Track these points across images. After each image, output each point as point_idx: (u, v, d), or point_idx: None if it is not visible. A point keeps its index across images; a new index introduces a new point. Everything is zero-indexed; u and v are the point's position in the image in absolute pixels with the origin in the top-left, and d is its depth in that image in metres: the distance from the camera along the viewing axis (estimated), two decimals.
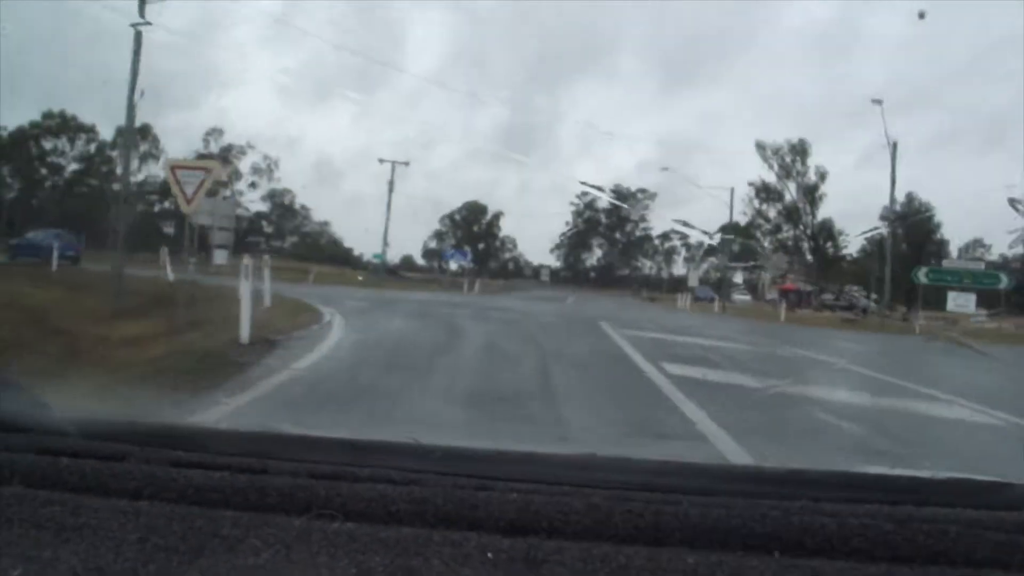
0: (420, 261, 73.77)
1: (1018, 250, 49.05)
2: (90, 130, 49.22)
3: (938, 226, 51.63)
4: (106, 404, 3.58)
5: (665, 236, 69.46)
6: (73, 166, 51.37)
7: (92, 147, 49.11)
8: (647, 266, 70.89)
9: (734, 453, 4.54)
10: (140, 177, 57.66)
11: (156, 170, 58.16)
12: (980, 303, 32.61)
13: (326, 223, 67.83)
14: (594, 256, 71.76)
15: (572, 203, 71.58)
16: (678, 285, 62.17)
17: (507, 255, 74.53)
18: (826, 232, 58.43)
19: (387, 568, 0.73)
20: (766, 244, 62.27)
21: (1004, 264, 46.77)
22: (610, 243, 70.41)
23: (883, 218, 52.86)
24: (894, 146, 33.69)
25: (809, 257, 55.71)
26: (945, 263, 39.18)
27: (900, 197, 55.84)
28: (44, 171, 47.39)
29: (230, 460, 0.89)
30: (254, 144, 58.81)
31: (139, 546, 0.74)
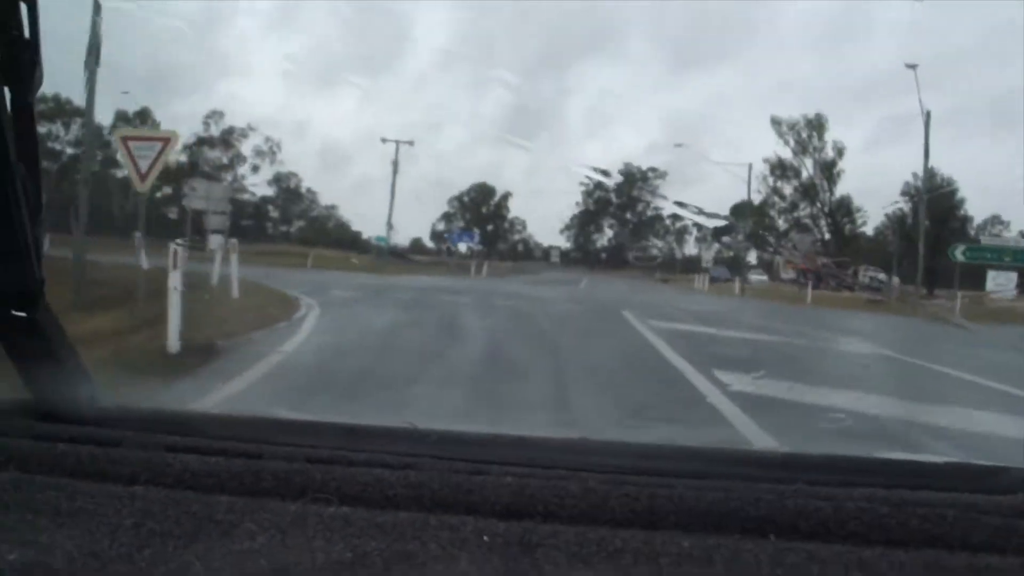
0: (429, 244, 71.66)
1: None
2: (85, 114, 47.01)
3: (961, 202, 48.65)
4: None
5: (676, 215, 67.24)
6: (69, 151, 49.58)
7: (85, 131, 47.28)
8: (658, 246, 68.35)
9: None
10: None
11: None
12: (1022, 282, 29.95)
13: (333, 207, 65.71)
14: (605, 237, 69.27)
15: (582, 183, 68.98)
16: (690, 265, 59.90)
17: (516, 236, 72.27)
18: (844, 209, 55.51)
19: (383, 552, 0.72)
20: (780, 222, 59.47)
21: None
22: (621, 223, 67.87)
23: (905, 194, 50.04)
24: (927, 115, 30.89)
25: (827, 235, 52.90)
26: (984, 240, 36.47)
27: (921, 172, 53.20)
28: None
29: (225, 445, 0.88)
30: (255, 126, 56.48)
31: (135, 531, 0.74)
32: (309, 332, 8.99)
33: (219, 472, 0.83)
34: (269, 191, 60.06)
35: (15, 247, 0.86)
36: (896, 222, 54.75)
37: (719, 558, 0.72)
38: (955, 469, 0.90)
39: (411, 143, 57.62)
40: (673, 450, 0.95)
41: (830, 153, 55.02)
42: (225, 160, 56.72)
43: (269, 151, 57.34)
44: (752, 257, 54.79)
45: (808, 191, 55.59)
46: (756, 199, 53.87)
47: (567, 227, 70.18)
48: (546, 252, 68.75)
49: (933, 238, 40.27)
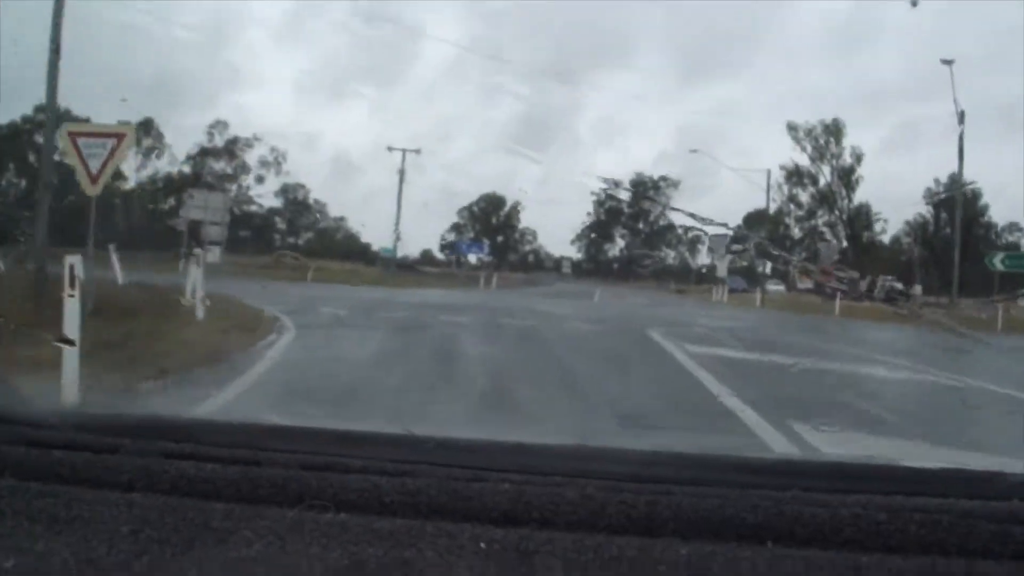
0: (439, 255, 70.25)
1: None
2: (85, 123, 46.10)
3: (985, 208, 46.27)
4: None
5: (688, 225, 65.53)
6: (67, 161, 48.17)
7: None
8: (670, 256, 66.44)
9: None
10: (144, 173, 54.42)
11: (161, 165, 54.91)
12: None
13: (342, 218, 64.35)
14: (616, 247, 67.45)
15: (593, 192, 67.31)
16: (704, 276, 58.05)
17: (527, 247, 70.65)
18: (863, 217, 53.36)
19: (380, 559, 0.72)
20: (796, 231, 57.48)
21: None
22: (632, 233, 66.03)
23: (927, 200, 47.70)
24: (961, 114, 28.93)
25: (844, 243, 50.67)
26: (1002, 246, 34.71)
27: (943, 178, 51.02)
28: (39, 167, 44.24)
29: (222, 452, 0.88)
30: (261, 136, 55.05)
31: (132, 538, 0.74)
32: (266, 369, 7.09)
33: (216, 479, 0.82)
34: (276, 202, 58.52)
35: None
36: (918, 229, 52.51)
37: (716, 565, 0.72)
38: (951, 475, 0.89)
39: (418, 151, 56.25)
40: (670, 457, 0.94)
41: (848, 159, 52.96)
42: (229, 170, 55.21)
43: (274, 161, 55.95)
44: (766, 267, 53.25)
45: (826, 198, 53.44)
46: (771, 207, 51.80)
47: (578, 237, 68.50)
48: (557, 263, 67.11)
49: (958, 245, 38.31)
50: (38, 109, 44.54)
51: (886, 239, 55.74)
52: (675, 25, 73.68)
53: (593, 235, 66.26)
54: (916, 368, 9.79)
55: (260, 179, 55.56)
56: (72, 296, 5.45)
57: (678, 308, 24.71)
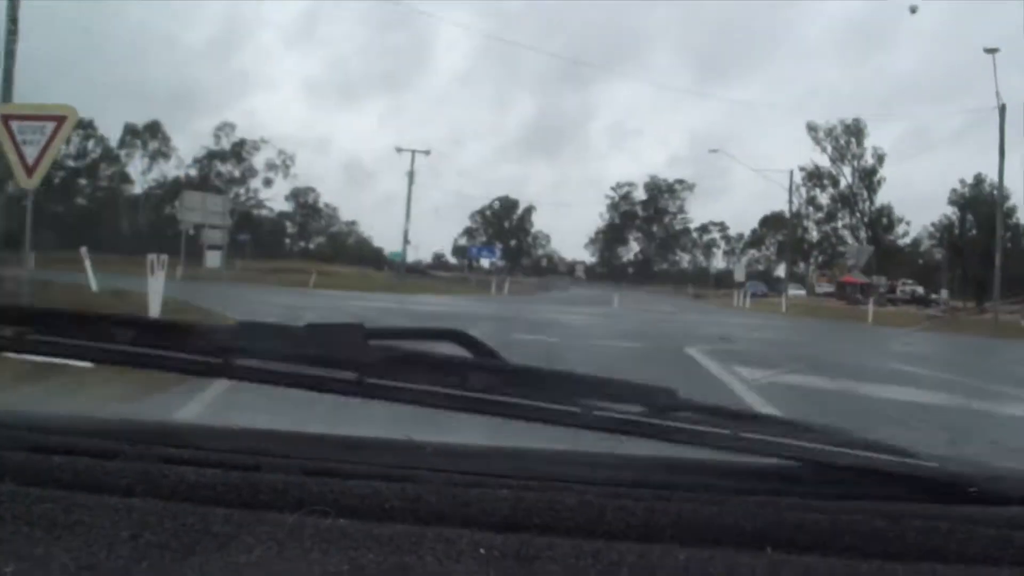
0: (452, 259, 68.21)
1: None
2: (88, 126, 45.36)
3: (1013, 209, 43.82)
4: None
5: (704, 228, 63.25)
6: (70, 163, 47.13)
7: (90, 144, 45.20)
8: (685, 260, 64.17)
9: None
10: (150, 175, 52.81)
11: (167, 169, 53.35)
12: None
13: (353, 222, 62.57)
14: (631, 251, 65.24)
15: (607, 195, 65.32)
16: (722, 279, 55.73)
17: (540, 251, 68.58)
18: (885, 219, 50.92)
19: (380, 565, 0.69)
20: (815, 233, 55.11)
21: None
22: (647, 236, 63.85)
23: (953, 203, 45.46)
24: (1002, 108, 26.97)
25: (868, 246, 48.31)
26: None
27: (968, 179, 48.52)
28: None
29: (222, 457, 0.85)
30: (268, 139, 53.42)
31: (132, 543, 0.71)
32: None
33: (216, 484, 0.80)
34: (287, 206, 56.78)
35: None
36: (943, 231, 50.07)
37: (715, 571, 0.70)
38: (950, 478, 0.84)
39: (427, 152, 54.69)
40: (671, 462, 0.91)
41: (869, 160, 50.65)
42: (236, 174, 53.42)
43: (282, 164, 54.47)
44: (781, 270, 51.49)
45: (847, 200, 51.10)
46: (787, 209, 49.46)
47: (592, 241, 66.51)
48: (571, 267, 65.22)
49: (983, 247, 36.20)
50: None
51: (907, 241, 53.32)
52: (689, 26, 71.53)
53: (607, 238, 64.16)
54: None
55: (268, 182, 53.98)
56: None
57: (704, 316, 22.83)
